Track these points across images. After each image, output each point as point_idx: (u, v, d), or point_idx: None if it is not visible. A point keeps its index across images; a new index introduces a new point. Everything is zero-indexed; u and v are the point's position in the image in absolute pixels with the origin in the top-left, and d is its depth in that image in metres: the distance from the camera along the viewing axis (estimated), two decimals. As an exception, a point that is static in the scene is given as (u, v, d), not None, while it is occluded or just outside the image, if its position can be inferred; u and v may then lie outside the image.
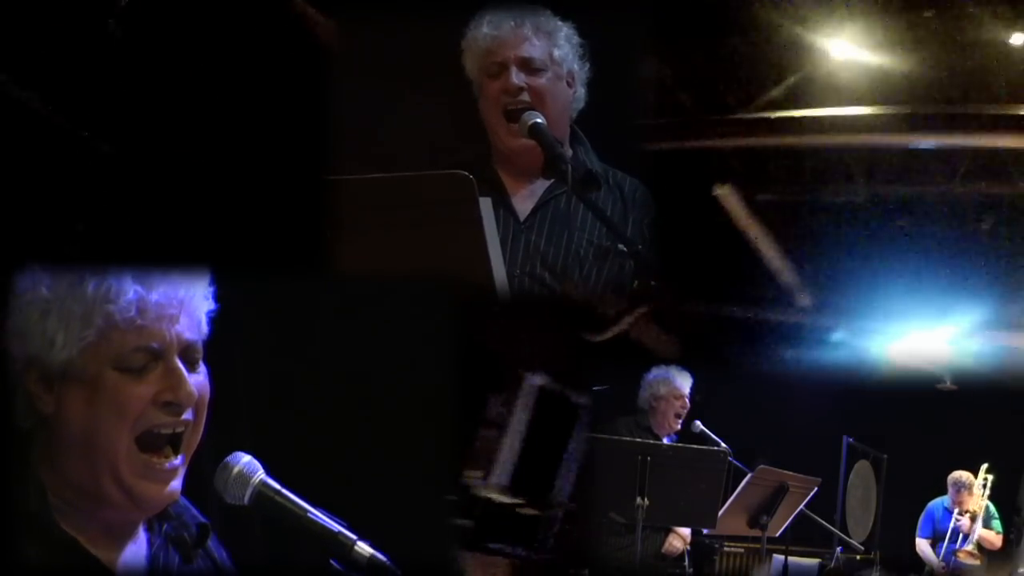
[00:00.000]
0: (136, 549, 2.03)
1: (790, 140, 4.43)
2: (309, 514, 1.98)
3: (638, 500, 4.51)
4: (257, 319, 2.88)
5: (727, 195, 4.22)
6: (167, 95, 3.74)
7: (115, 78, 3.69)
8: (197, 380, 2.03)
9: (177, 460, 2.01)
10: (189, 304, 2.03)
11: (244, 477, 1.99)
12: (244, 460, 2.01)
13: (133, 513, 2.02)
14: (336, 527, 1.97)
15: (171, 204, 3.71)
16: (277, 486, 2.00)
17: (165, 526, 2.08)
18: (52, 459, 1.97)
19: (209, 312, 2.08)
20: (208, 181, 3.71)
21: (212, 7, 3.72)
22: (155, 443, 1.99)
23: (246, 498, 1.99)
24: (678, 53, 4.26)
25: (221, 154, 3.73)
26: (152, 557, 2.03)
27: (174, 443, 2.01)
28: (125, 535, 2.02)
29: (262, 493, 1.98)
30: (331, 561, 1.95)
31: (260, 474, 2.00)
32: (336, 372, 3.38)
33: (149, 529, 2.08)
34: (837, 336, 4.73)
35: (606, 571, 5.01)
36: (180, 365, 2.00)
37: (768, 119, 4.36)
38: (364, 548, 1.97)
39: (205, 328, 2.08)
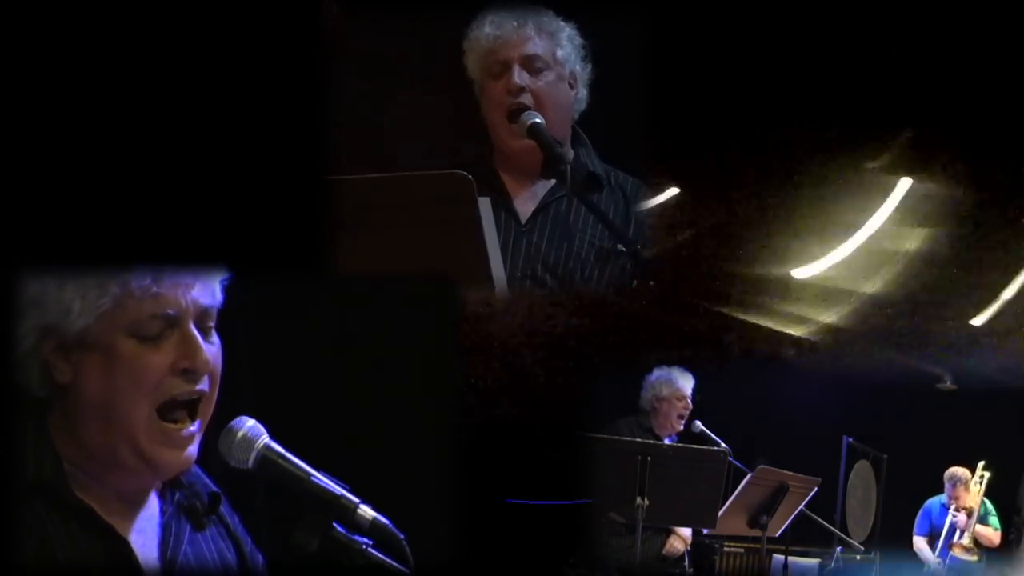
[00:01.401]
0: (149, 516, 2.05)
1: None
2: (312, 478, 1.98)
3: (638, 500, 4.51)
4: (255, 318, 2.91)
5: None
6: (167, 93, 3.73)
7: (113, 76, 3.69)
8: (211, 349, 2.05)
9: (194, 427, 2.02)
10: (209, 293, 2.07)
11: (248, 441, 2.00)
12: (248, 424, 2.01)
13: (148, 480, 2.04)
14: (339, 490, 1.99)
15: (171, 203, 3.70)
16: (281, 450, 2.01)
17: (177, 495, 2.09)
18: (68, 428, 1.98)
19: (223, 280, 2.10)
20: (208, 180, 3.71)
21: (213, 5, 3.72)
22: (173, 410, 2.01)
23: (250, 462, 1.99)
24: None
25: (221, 153, 3.73)
26: (164, 526, 2.05)
27: (191, 409, 2.03)
28: (138, 503, 2.04)
29: (266, 457, 1.99)
30: (334, 524, 1.96)
31: (264, 438, 2.00)
32: (336, 370, 3.41)
33: (162, 497, 2.09)
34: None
35: (606, 571, 5.01)
36: (196, 332, 2.01)
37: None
38: (367, 511, 1.98)
39: (219, 295, 2.09)
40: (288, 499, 1.99)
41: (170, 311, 1.99)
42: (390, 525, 1.98)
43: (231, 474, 2.03)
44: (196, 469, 2.12)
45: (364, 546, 1.96)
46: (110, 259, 2.71)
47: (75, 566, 1.89)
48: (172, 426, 2.00)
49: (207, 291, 2.05)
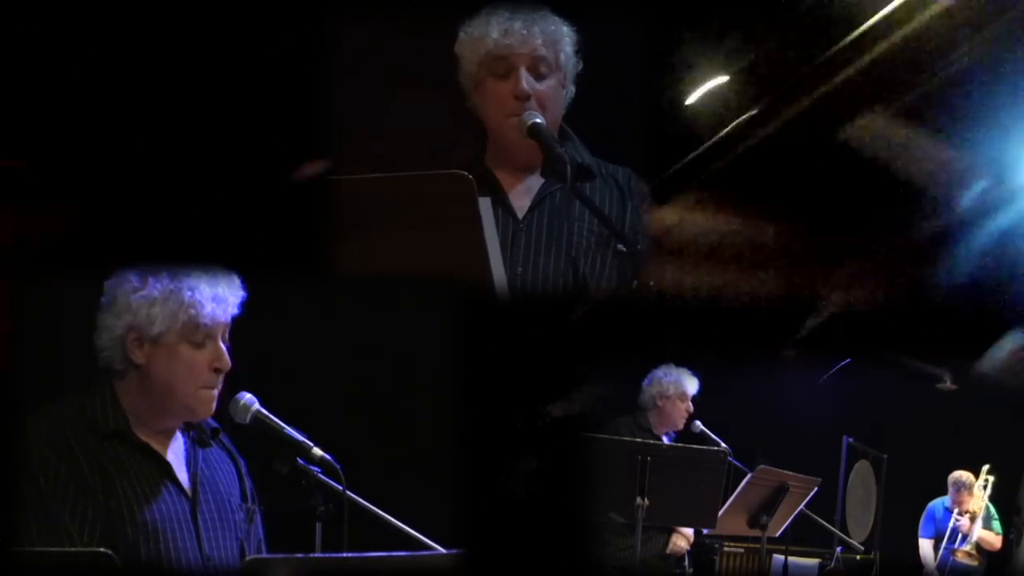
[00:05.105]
0: (177, 446, 3.07)
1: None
2: (285, 430, 2.97)
3: (638, 500, 4.52)
4: (254, 316, 2.99)
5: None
6: (167, 94, 3.75)
7: (114, 77, 3.70)
8: (226, 353, 3.02)
9: (216, 392, 3.03)
10: (233, 313, 3.01)
11: (247, 407, 2.99)
12: (247, 396, 3.01)
13: (183, 421, 3.06)
14: (301, 437, 2.95)
15: (172, 204, 3.72)
16: (267, 412, 2.99)
17: (192, 432, 3.11)
18: (140, 391, 3.00)
19: (241, 300, 3.04)
20: (208, 181, 3.72)
21: (212, 6, 3.73)
22: (207, 387, 3.04)
23: (247, 419, 2.99)
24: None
25: (221, 154, 3.74)
26: (188, 451, 3.08)
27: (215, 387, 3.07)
28: (170, 438, 3.06)
29: (257, 417, 2.99)
30: (298, 459, 2.92)
31: (256, 405, 3.00)
32: (334, 371, 3.43)
33: (184, 434, 3.09)
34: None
35: (607, 571, 5.02)
36: (221, 343, 3.00)
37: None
38: (318, 451, 2.94)
39: (235, 312, 3.03)
40: (269, 442, 2.95)
41: (209, 326, 2.96)
42: (331, 459, 2.91)
43: (235, 425, 3.02)
44: None
45: (316, 472, 2.90)
46: (112, 259, 2.95)
47: (139, 477, 2.95)
48: (207, 392, 3.01)
49: (229, 310, 2.99)
